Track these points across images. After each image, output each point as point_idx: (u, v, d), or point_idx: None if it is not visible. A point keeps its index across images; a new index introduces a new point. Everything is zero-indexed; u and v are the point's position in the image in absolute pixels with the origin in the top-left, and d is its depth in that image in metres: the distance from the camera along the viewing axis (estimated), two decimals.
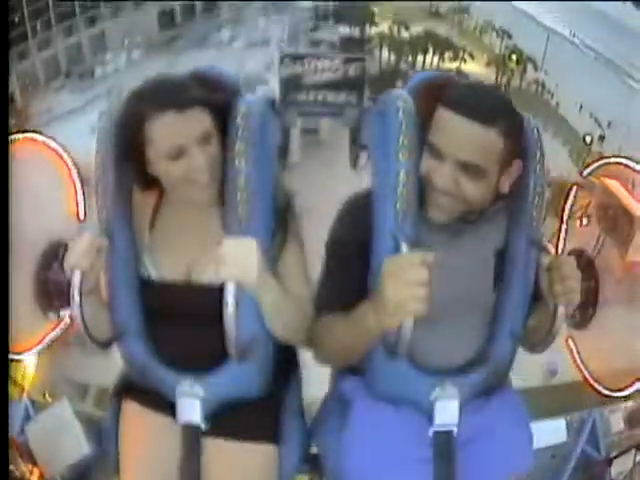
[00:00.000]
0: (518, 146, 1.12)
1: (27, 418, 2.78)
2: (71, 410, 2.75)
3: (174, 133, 1.12)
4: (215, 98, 1.17)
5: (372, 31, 24.46)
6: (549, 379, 7.79)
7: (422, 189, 1.14)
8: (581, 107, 19.99)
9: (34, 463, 2.61)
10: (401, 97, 1.18)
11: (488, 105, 1.08)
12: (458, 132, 1.06)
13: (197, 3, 25.82)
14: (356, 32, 24.31)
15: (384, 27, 24.62)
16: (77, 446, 2.66)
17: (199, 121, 1.13)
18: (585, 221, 1.66)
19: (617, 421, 2.90)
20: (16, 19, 21.47)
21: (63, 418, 2.74)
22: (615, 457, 2.64)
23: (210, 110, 1.15)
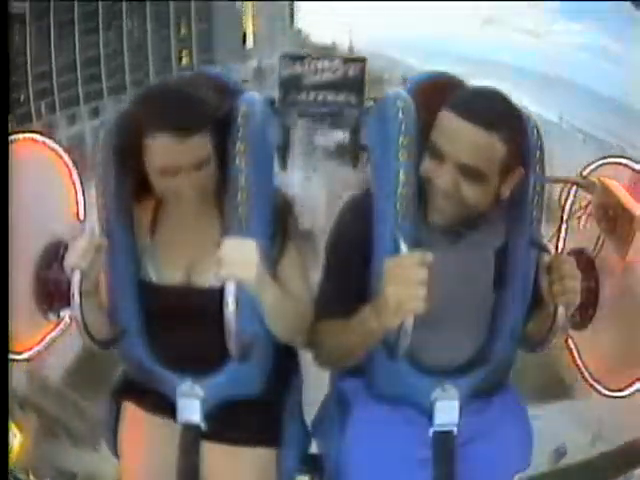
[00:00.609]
0: (520, 153, 1.11)
1: None
2: None
3: (169, 157, 1.10)
4: (218, 113, 1.14)
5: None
6: (557, 462, 7.71)
7: (423, 192, 1.14)
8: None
9: None
10: (401, 97, 1.18)
11: (493, 111, 1.07)
12: (460, 135, 1.05)
13: None
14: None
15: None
16: None
17: (197, 149, 1.11)
18: (585, 221, 1.66)
19: None
20: (21, 98, 21.51)
21: None
22: None
23: (211, 132, 1.12)
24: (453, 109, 1.07)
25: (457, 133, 1.05)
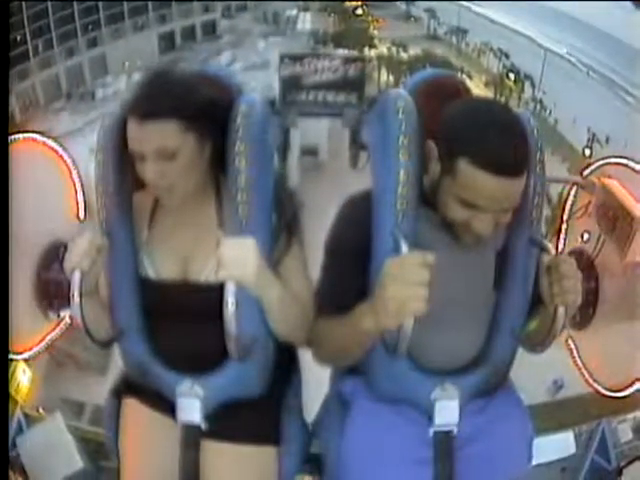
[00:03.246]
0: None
1: (20, 432, 2.76)
2: (64, 425, 2.73)
3: (134, 140, 1.12)
4: (198, 107, 1.13)
5: (371, 53, 24.45)
6: (554, 394, 7.76)
7: (425, 195, 1.15)
8: (578, 123, 19.91)
9: (25, 477, 2.59)
10: (401, 97, 1.18)
11: (515, 155, 1.04)
12: (496, 191, 1.04)
13: (197, 26, 25.94)
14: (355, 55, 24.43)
15: (383, 49, 24.62)
16: (70, 461, 2.64)
17: (160, 136, 1.10)
18: (585, 221, 1.66)
19: (626, 431, 2.90)
20: (18, 38, 21.41)
21: (56, 432, 2.71)
22: (625, 466, 2.64)
23: (187, 125, 1.12)
24: (476, 164, 1.03)
25: (493, 190, 1.04)
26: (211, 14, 26.50)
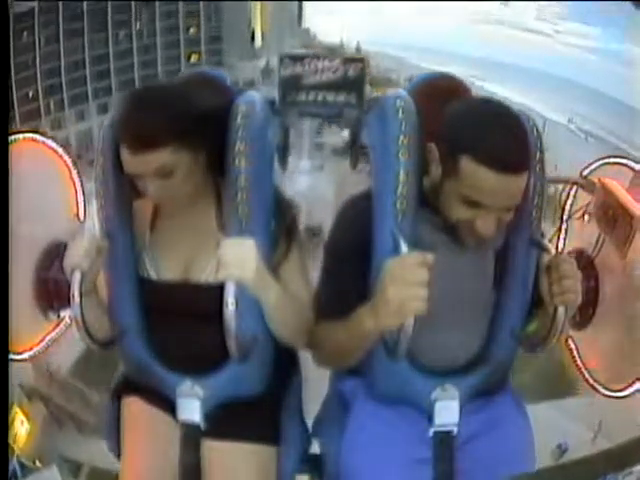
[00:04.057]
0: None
1: (14, 478, 2.74)
2: (60, 478, 2.72)
3: (130, 165, 1.12)
4: (190, 129, 1.12)
5: None
6: (559, 458, 7.73)
7: (426, 196, 1.14)
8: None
9: None
10: (401, 97, 1.18)
11: (519, 153, 1.05)
12: (499, 187, 1.04)
13: None
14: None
15: None
16: None
17: (155, 161, 1.10)
18: (585, 221, 1.66)
19: None
20: (30, 94, 21.48)
21: None
22: None
23: (181, 144, 1.11)
24: (479, 161, 1.03)
25: (496, 187, 1.04)
26: None
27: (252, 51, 27.05)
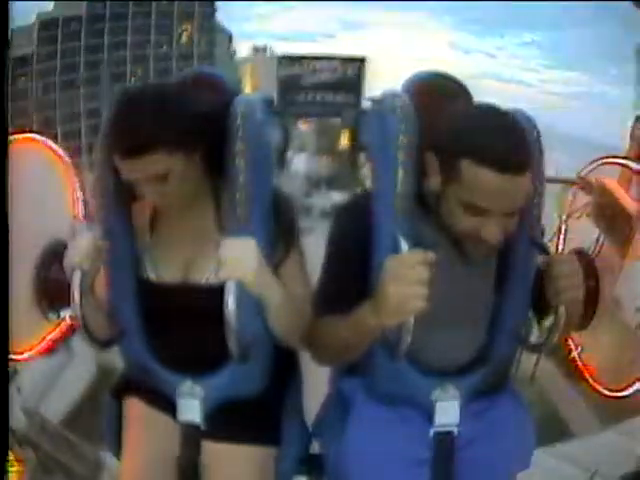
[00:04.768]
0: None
1: None
2: None
3: (125, 171, 1.11)
4: (182, 132, 1.10)
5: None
6: None
7: (426, 197, 1.14)
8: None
9: None
10: (399, 96, 1.18)
11: (521, 153, 1.04)
12: (502, 190, 1.03)
13: None
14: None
15: None
16: None
17: (149, 166, 1.09)
18: (585, 221, 1.66)
19: None
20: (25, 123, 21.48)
21: None
22: None
23: (174, 148, 1.10)
24: (480, 163, 1.02)
25: (499, 189, 1.03)
26: None
27: None
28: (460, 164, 1.04)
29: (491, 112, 1.09)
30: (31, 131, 1.59)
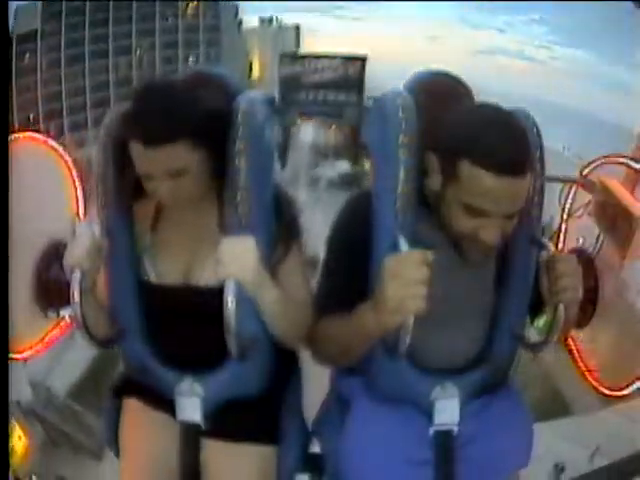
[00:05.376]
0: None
1: None
2: None
3: (142, 164, 1.10)
4: (203, 121, 1.11)
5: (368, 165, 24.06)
6: (557, 477, 7.71)
7: (426, 198, 1.14)
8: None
9: None
10: (401, 95, 1.18)
11: (520, 154, 1.03)
12: (501, 192, 1.02)
13: None
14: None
15: None
16: None
17: (169, 159, 1.08)
18: (585, 220, 1.66)
19: None
20: (31, 117, 21.45)
21: None
22: None
23: (195, 140, 1.10)
24: (479, 164, 1.02)
25: (498, 191, 1.02)
26: None
27: (250, 83, 27.15)
28: (460, 165, 1.04)
29: (492, 112, 1.08)
30: (32, 130, 1.59)
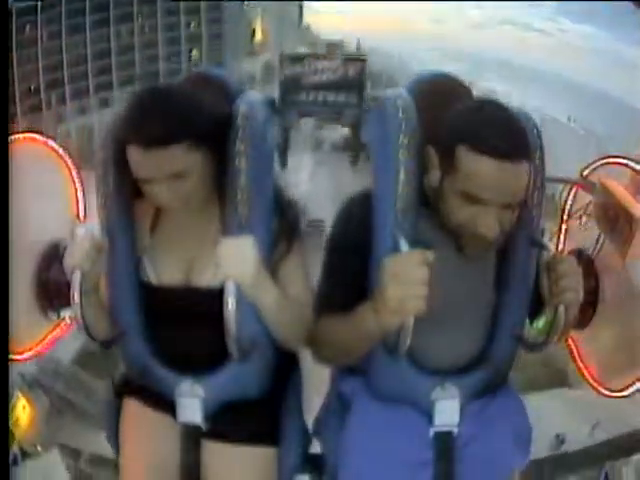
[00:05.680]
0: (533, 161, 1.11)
1: (15, 464, 2.76)
2: (61, 460, 2.74)
3: (141, 167, 1.10)
4: (203, 123, 1.11)
5: None
6: (557, 448, 7.74)
7: (426, 197, 1.14)
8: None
9: None
10: (401, 96, 1.18)
11: (516, 139, 1.04)
12: (498, 178, 1.03)
13: None
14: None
15: None
16: None
17: (169, 162, 1.08)
18: (585, 221, 1.65)
19: (629, 473, 2.91)
20: (32, 88, 21.50)
21: (52, 466, 2.72)
22: None
23: (196, 142, 1.10)
24: (476, 149, 1.03)
25: (495, 177, 1.03)
26: None
27: (252, 48, 27.13)
28: (457, 152, 1.05)
29: (490, 105, 1.10)
30: (32, 131, 1.59)
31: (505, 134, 1.03)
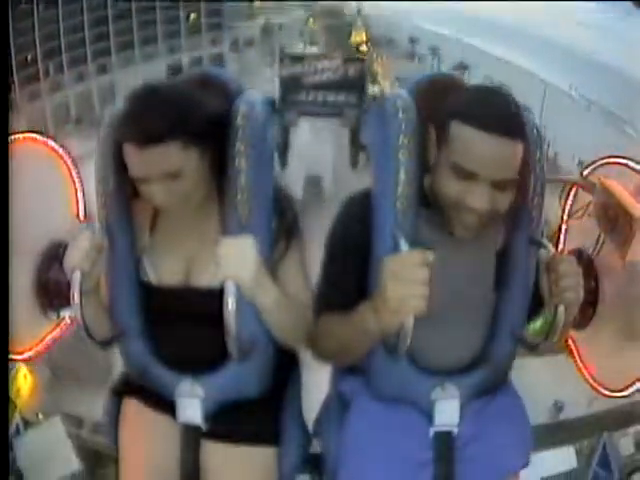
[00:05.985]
0: (529, 148, 1.12)
1: (17, 434, 2.76)
2: (63, 428, 2.74)
3: (136, 166, 1.10)
4: (199, 122, 1.11)
5: (375, 89, 24.46)
6: (555, 416, 7.75)
7: (429, 198, 1.14)
8: (580, 161, 19.68)
9: (19, 478, 2.58)
10: (401, 97, 1.18)
11: (511, 115, 1.05)
12: (488, 151, 1.03)
13: (204, 57, 26.20)
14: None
15: (386, 85, 24.68)
16: (67, 462, 2.64)
17: (164, 160, 1.08)
18: (585, 221, 1.65)
19: (627, 445, 2.91)
20: (29, 58, 21.49)
21: (55, 435, 2.72)
22: (629, 476, 2.65)
23: (189, 142, 1.09)
24: (470, 122, 1.03)
25: (483, 149, 1.03)
26: (219, 47, 26.87)
27: (251, 10, 27.14)
28: (451, 126, 1.06)
29: (491, 87, 1.12)
30: (33, 131, 1.59)
31: (499, 110, 1.04)
